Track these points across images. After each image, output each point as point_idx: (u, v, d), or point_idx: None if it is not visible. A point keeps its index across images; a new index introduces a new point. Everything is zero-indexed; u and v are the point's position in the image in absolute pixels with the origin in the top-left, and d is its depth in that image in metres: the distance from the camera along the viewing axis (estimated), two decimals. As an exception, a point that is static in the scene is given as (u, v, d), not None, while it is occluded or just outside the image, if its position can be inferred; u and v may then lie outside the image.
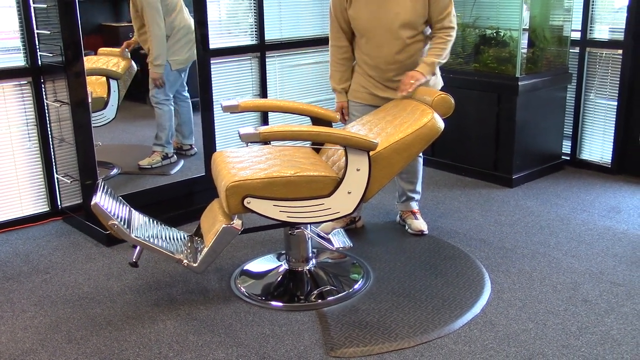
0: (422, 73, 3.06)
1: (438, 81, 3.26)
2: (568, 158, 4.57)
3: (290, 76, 4.55)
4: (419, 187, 3.48)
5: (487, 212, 3.76)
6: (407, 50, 3.11)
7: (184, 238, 2.90)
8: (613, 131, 4.34)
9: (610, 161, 4.39)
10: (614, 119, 4.32)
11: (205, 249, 2.63)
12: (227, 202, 2.54)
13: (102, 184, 2.86)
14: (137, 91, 4.34)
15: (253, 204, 2.54)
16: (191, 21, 4.06)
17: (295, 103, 3.22)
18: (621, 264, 3.07)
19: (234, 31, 4.26)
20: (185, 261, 2.67)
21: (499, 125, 4.17)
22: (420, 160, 3.41)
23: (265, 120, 4.37)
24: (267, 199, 2.55)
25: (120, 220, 2.67)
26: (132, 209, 2.90)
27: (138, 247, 2.68)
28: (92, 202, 2.58)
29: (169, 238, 2.84)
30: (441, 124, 2.77)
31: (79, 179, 3.50)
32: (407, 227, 3.46)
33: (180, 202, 3.83)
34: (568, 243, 3.32)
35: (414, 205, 3.48)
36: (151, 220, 2.93)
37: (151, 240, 2.70)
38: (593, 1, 4.29)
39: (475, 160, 4.34)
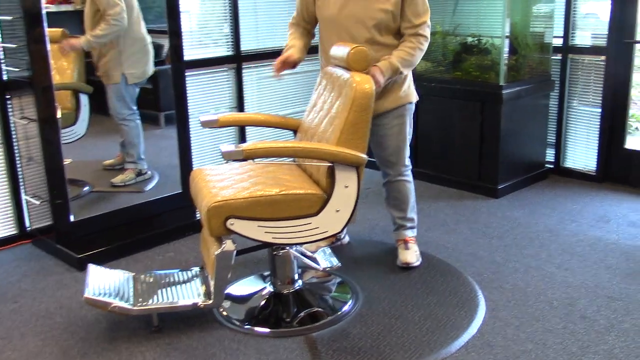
0: (381, 70, 2.75)
1: (410, 92, 3.01)
2: (552, 166, 4.51)
3: (268, 87, 4.42)
4: (411, 214, 3.18)
5: (475, 225, 3.66)
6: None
7: (196, 274, 2.82)
8: (597, 139, 4.28)
9: (594, 169, 4.33)
10: (598, 126, 4.27)
11: (212, 282, 2.52)
12: (208, 223, 2.40)
13: (89, 267, 2.77)
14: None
15: (236, 225, 2.40)
16: (147, 34, 3.94)
17: (277, 117, 3.09)
18: (616, 277, 2.99)
19: (208, 42, 4.12)
20: (200, 303, 2.57)
21: (483, 135, 4.08)
22: (410, 186, 3.15)
23: (242, 134, 4.23)
24: (252, 220, 2.41)
25: (120, 295, 2.57)
26: (130, 274, 2.80)
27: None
28: (84, 298, 2.51)
29: (179, 283, 2.75)
30: (367, 83, 2.50)
31: (48, 199, 3.32)
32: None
33: (156, 221, 3.66)
34: (560, 256, 3.23)
35: (407, 234, 3.17)
36: (156, 274, 2.83)
37: (158, 300, 2.59)
38: (574, 7, 4.23)
39: (459, 170, 4.25)
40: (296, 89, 4.54)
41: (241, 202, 2.39)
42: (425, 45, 2.88)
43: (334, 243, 3.30)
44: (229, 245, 2.45)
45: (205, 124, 2.84)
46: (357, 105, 2.46)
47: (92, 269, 2.76)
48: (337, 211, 2.50)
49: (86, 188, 4.11)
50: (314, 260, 2.83)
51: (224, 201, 2.38)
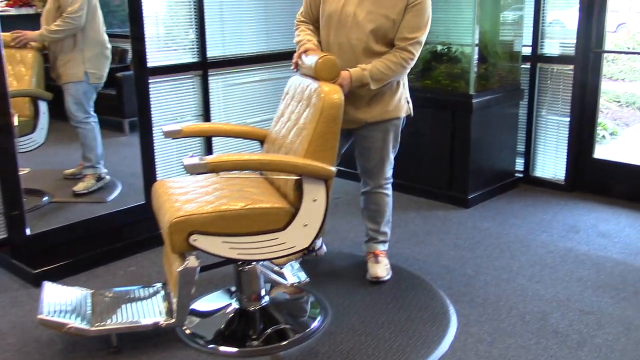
0: (351, 79, 2.64)
1: (400, 106, 2.86)
2: (522, 175, 4.49)
3: (235, 95, 4.32)
4: (384, 228, 3.08)
5: (445, 235, 3.61)
6: (368, 61, 2.71)
7: (158, 291, 2.69)
8: (566, 148, 4.27)
9: (563, 178, 4.32)
10: (567, 135, 4.26)
11: (174, 300, 2.41)
12: (170, 239, 2.29)
13: (44, 284, 2.65)
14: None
15: (200, 241, 2.30)
16: (107, 39, 3.93)
17: (243, 127, 2.99)
18: (587, 289, 2.96)
19: (173, 48, 4.00)
20: (162, 322, 2.45)
21: (453, 144, 4.04)
22: (389, 200, 3.05)
23: (209, 144, 4.11)
24: (216, 235, 2.31)
25: (77, 315, 2.45)
26: (88, 291, 2.67)
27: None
28: (38, 318, 2.39)
29: (140, 300, 2.63)
30: (335, 93, 2.42)
31: (2, 211, 3.17)
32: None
33: (118, 234, 3.52)
34: (531, 267, 3.19)
35: (378, 247, 3.08)
36: (115, 291, 2.71)
37: (118, 319, 2.47)
38: (543, 16, 4.22)
39: (429, 180, 4.20)
40: (264, 97, 4.44)
41: (205, 217, 2.29)
42: (409, 63, 2.74)
43: (308, 254, 3.18)
44: (192, 261, 2.34)
45: (168, 134, 2.73)
46: (326, 116, 2.38)
47: (48, 286, 2.63)
48: (305, 225, 2.41)
49: (45, 198, 3.96)
50: (281, 275, 2.73)
51: (187, 216, 2.28)
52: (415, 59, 2.76)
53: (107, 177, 4.10)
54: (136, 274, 3.19)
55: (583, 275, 3.10)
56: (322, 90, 2.41)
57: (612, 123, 6.40)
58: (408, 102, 2.92)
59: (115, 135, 4.60)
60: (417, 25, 2.72)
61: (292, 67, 2.78)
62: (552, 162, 4.39)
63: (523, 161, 4.48)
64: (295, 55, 2.74)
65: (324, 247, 3.30)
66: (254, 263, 2.62)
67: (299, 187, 2.38)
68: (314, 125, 2.38)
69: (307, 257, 3.14)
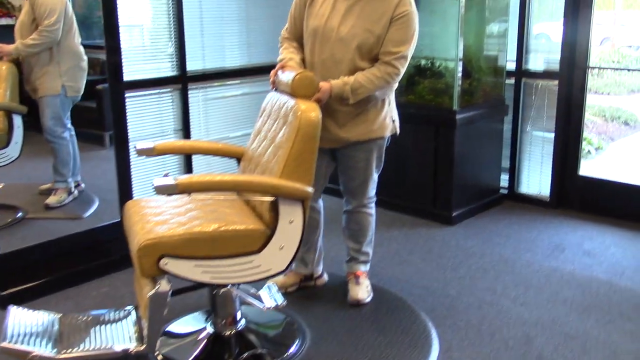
0: (330, 88, 2.55)
1: (385, 125, 2.75)
2: (506, 192, 4.43)
3: (216, 109, 4.24)
4: (366, 248, 2.99)
5: (428, 255, 3.53)
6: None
7: (129, 314, 2.57)
8: (551, 164, 4.22)
9: (549, 195, 4.26)
10: (552, 152, 4.21)
11: (145, 325, 2.30)
12: (139, 263, 2.19)
13: (9, 309, 2.52)
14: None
15: (171, 265, 2.20)
16: (83, 50, 3.84)
17: (219, 145, 2.89)
18: (572, 312, 2.89)
19: (152, 61, 3.91)
20: (132, 349, 2.33)
21: (437, 160, 3.97)
22: (371, 219, 2.97)
23: (189, 161, 4.02)
24: (187, 259, 2.22)
25: (43, 341, 2.33)
26: (56, 316, 2.54)
27: None
28: (0, 346, 2.26)
29: (110, 324, 2.51)
30: (313, 111, 2.34)
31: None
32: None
33: (92, 252, 3.41)
34: (515, 288, 3.12)
35: (360, 268, 2.99)
36: (84, 315, 2.58)
37: (86, 345, 2.35)
38: (528, 30, 4.18)
39: (413, 196, 4.13)
40: (246, 111, 4.37)
41: (176, 240, 2.20)
42: (393, 79, 2.64)
43: (303, 282, 3.09)
44: (163, 285, 2.24)
45: (141, 152, 2.64)
46: (302, 135, 2.30)
47: (13, 311, 2.51)
48: (281, 248, 2.32)
49: (19, 214, 3.86)
50: (258, 298, 2.64)
51: (157, 239, 2.18)
52: (401, 74, 2.67)
53: (76, 191, 4.01)
54: (109, 295, 3.09)
55: (568, 297, 3.03)
56: (299, 108, 2.33)
57: (598, 137, 6.37)
58: (394, 121, 2.83)
59: (95, 148, 4.51)
60: (402, 39, 2.63)
61: (270, 86, 2.69)
62: (537, 179, 4.33)
63: (508, 177, 4.42)
64: (272, 72, 2.66)
65: (325, 275, 3.15)
66: (229, 286, 2.53)
67: (274, 208, 2.30)
68: (291, 145, 2.30)
69: (304, 286, 3.06)
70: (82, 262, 3.31)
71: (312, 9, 2.71)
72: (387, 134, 2.81)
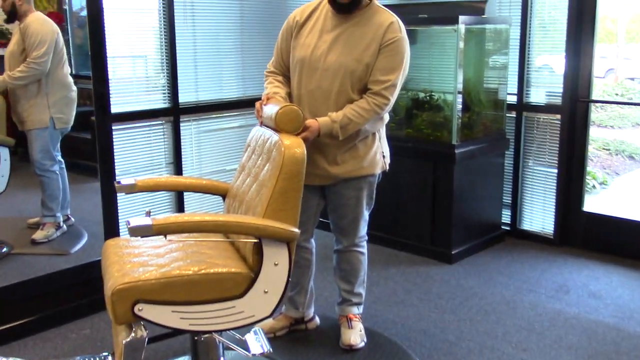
0: (318, 127, 2.43)
1: (375, 162, 2.62)
2: (508, 228, 4.28)
3: (209, 142, 4.13)
4: (358, 289, 2.84)
5: (427, 295, 3.38)
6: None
7: None
8: (554, 200, 4.08)
9: (552, 232, 4.12)
10: (555, 187, 4.07)
11: None
12: (112, 309, 2.05)
13: None
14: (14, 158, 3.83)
15: (146, 311, 2.05)
16: (72, 81, 3.72)
17: (203, 181, 2.74)
18: (577, 359, 2.72)
19: (142, 93, 3.82)
20: None
21: (435, 196, 3.84)
22: (363, 259, 2.83)
23: (180, 196, 3.90)
24: (164, 304, 2.08)
25: None
26: None
27: None
28: None
29: None
30: (297, 147, 2.21)
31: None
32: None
33: (76, 291, 3.27)
34: (517, 333, 2.96)
35: (352, 310, 2.83)
36: None
37: None
38: (528, 63, 4.08)
39: (410, 233, 3.98)
40: (238, 144, 4.26)
41: (152, 284, 2.05)
42: (382, 109, 2.50)
43: (293, 325, 2.93)
44: (139, 332, 2.10)
45: (121, 189, 2.51)
46: (286, 172, 2.17)
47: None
48: (266, 292, 2.18)
49: (4, 249, 3.72)
50: (243, 343, 2.48)
51: (131, 283, 2.04)
52: (390, 104, 2.54)
53: (65, 226, 3.88)
54: (90, 338, 2.94)
55: (573, 343, 2.87)
56: (283, 143, 2.21)
57: (602, 172, 6.25)
58: (384, 157, 2.70)
59: (89, 180, 4.37)
60: (391, 67, 2.49)
61: (257, 120, 2.58)
62: (540, 215, 4.19)
63: (510, 214, 4.28)
64: (257, 104, 2.55)
65: (317, 318, 3.00)
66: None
67: (258, 250, 2.16)
68: (274, 182, 2.17)
69: (294, 329, 2.91)
70: (65, 301, 3.16)
71: (299, 40, 2.61)
72: (378, 171, 2.68)
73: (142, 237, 2.01)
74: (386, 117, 2.66)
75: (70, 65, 3.85)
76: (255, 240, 2.14)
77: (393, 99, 2.54)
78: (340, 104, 2.51)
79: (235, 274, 2.15)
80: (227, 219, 2.08)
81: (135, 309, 2.04)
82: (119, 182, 2.54)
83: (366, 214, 2.76)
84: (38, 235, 3.81)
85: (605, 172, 6.27)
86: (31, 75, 3.61)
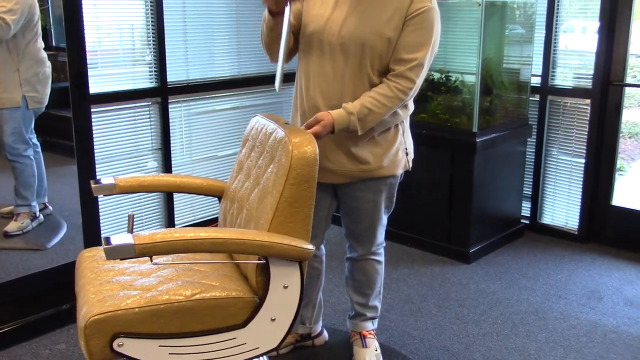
0: (332, 122, 2.03)
1: (397, 161, 2.23)
2: (528, 222, 3.92)
3: (201, 125, 3.72)
4: (374, 302, 2.47)
5: (445, 302, 3.02)
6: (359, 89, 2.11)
7: None
8: (580, 193, 3.72)
9: (576, 227, 3.77)
10: (581, 179, 3.71)
11: None
12: (86, 344, 1.67)
13: None
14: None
15: (128, 346, 1.68)
16: (46, 57, 3.30)
17: (196, 180, 2.31)
18: (625, 385, 2.39)
19: (125, 71, 3.40)
20: None
21: (452, 188, 3.47)
22: (380, 268, 2.45)
23: (170, 194, 3.52)
24: (150, 338, 1.70)
25: None
26: None
27: None
28: None
29: None
30: (308, 144, 1.81)
31: None
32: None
33: (52, 298, 2.88)
34: (552, 351, 2.61)
35: (366, 326, 2.47)
36: None
37: None
38: (555, 41, 3.69)
39: (425, 229, 3.62)
40: (234, 127, 3.86)
41: (135, 314, 1.68)
42: (407, 94, 2.09)
43: (299, 341, 2.57)
44: (118, 370, 1.73)
45: (99, 191, 2.12)
46: (295, 176, 1.77)
47: None
48: (273, 320, 1.81)
49: (-28, 244, 3.34)
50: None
51: (109, 313, 1.66)
52: (416, 88, 2.12)
53: (42, 216, 3.52)
54: (65, 354, 2.57)
55: (617, 363, 2.54)
56: (290, 141, 1.81)
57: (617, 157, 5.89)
58: (407, 154, 2.30)
59: (69, 162, 3.98)
60: (418, 43, 2.06)
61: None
62: (563, 209, 3.83)
63: (530, 206, 3.92)
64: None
65: (325, 333, 2.63)
66: (206, 360, 2.01)
67: (264, 270, 1.79)
68: (280, 189, 1.78)
69: (300, 345, 2.55)
70: (37, 309, 2.79)
71: (309, 10, 2.18)
72: (400, 171, 2.27)
73: (121, 260, 1.63)
74: (411, 106, 2.26)
75: (50, 37, 3.45)
76: (261, 262, 1.76)
77: (419, 82, 2.12)
78: (358, 88, 2.11)
79: (236, 299, 1.78)
80: (225, 236, 1.69)
81: (115, 345, 1.67)
82: (98, 182, 2.15)
83: (385, 219, 2.38)
84: (11, 227, 3.44)
85: (620, 157, 5.92)
86: None
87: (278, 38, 2.07)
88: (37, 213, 3.51)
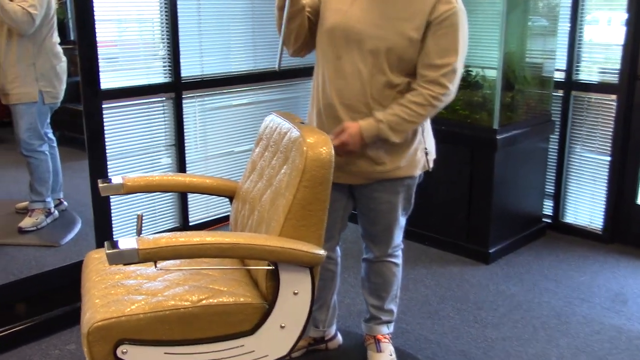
0: (360, 131, 1.99)
1: (415, 162, 2.16)
2: (550, 221, 3.81)
3: (216, 121, 3.67)
4: (390, 305, 2.39)
5: (464, 304, 2.94)
6: (383, 96, 2.04)
7: None
8: (604, 191, 3.60)
9: (601, 227, 3.65)
10: (606, 177, 3.59)
11: None
12: (89, 351, 1.62)
13: None
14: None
15: (132, 354, 1.63)
16: (62, 51, 3.28)
17: (207, 180, 2.24)
18: (651, 395, 2.29)
19: (139, 66, 3.35)
20: None
21: (472, 186, 3.37)
22: (397, 271, 2.38)
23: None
24: (155, 345, 1.65)
25: None
26: None
27: None
28: None
29: None
30: (323, 145, 1.73)
31: None
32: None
33: (63, 296, 2.83)
34: (574, 357, 2.52)
35: (381, 330, 2.39)
36: None
37: None
38: (580, 34, 3.57)
39: (443, 228, 3.53)
40: (250, 123, 3.80)
41: (139, 320, 1.63)
42: (441, 102, 2.00)
43: (312, 345, 2.50)
44: (123, 375, 1.68)
45: (106, 191, 2.07)
46: (309, 178, 1.70)
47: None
48: (282, 327, 1.75)
49: (-15, 240, 3.33)
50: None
51: (113, 319, 1.61)
52: (452, 94, 2.02)
53: (56, 212, 3.50)
54: (74, 355, 2.53)
55: (643, 372, 2.44)
56: (305, 141, 1.74)
57: None
58: (427, 154, 2.21)
59: (86, 157, 3.98)
60: (449, 47, 1.97)
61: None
62: (587, 208, 3.71)
63: (552, 205, 3.81)
64: None
65: (339, 336, 2.56)
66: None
67: (274, 275, 1.72)
68: (294, 192, 1.71)
69: (313, 348, 2.48)
70: (47, 308, 2.75)
71: (328, 4, 2.10)
72: (418, 172, 2.19)
73: (124, 265, 1.57)
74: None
75: (67, 30, 3.42)
76: (270, 268, 1.70)
77: (453, 89, 2.02)
78: (376, 90, 2.02)
79: (244, 305, 1.72)
80: (232, 241, 1.63)
81: (118, 352, 1.62)
82: (108, 181, 2.10)
83: (402, 220, 2.30)
84: (25, 222, 3.43)
85: None
86: (18, 20, 3.08)
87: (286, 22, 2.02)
88: (52, 209, 3.49)
